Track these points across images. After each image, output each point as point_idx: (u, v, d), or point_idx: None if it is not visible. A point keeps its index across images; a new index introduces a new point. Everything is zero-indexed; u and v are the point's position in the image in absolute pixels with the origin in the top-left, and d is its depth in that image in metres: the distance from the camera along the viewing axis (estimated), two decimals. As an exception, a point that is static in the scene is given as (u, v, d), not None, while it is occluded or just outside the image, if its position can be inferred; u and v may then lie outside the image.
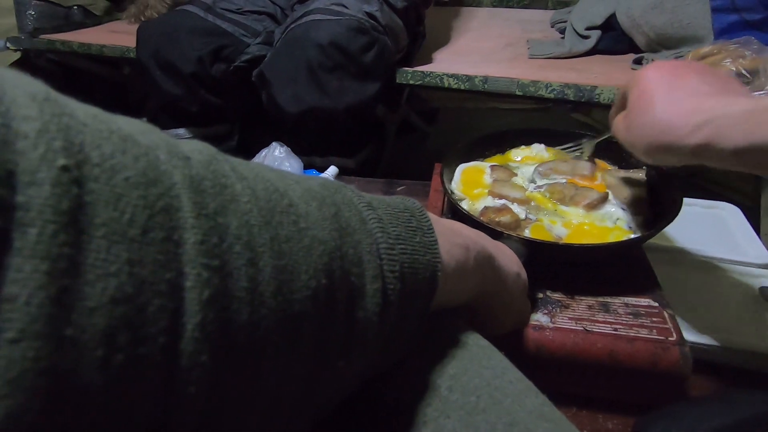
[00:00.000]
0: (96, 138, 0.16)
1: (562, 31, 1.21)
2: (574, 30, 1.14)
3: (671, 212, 0.51)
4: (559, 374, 0.46)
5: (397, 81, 1.05)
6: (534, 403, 0.27)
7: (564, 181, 0.60)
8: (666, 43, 1.01)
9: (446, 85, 1.02)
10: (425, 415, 0.26)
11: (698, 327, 0.52)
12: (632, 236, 0.52)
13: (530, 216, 0.56)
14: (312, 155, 1.01)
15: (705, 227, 0.70)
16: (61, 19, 1.39)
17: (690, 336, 0.51)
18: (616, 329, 0.46)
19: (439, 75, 1.02)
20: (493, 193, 0.59)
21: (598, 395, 0.47)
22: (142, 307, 0.15)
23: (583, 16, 1.14)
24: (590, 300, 0.49)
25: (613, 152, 0.64)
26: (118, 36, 1.27)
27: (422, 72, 1.04)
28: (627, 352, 0.44)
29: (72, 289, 0.14)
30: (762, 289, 0.58)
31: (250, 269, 0.18)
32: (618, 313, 0.47)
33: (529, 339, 0.45)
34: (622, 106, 0.46)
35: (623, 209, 0.56)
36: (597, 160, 0.63)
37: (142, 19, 1.35)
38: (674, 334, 0.45)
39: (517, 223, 0.54)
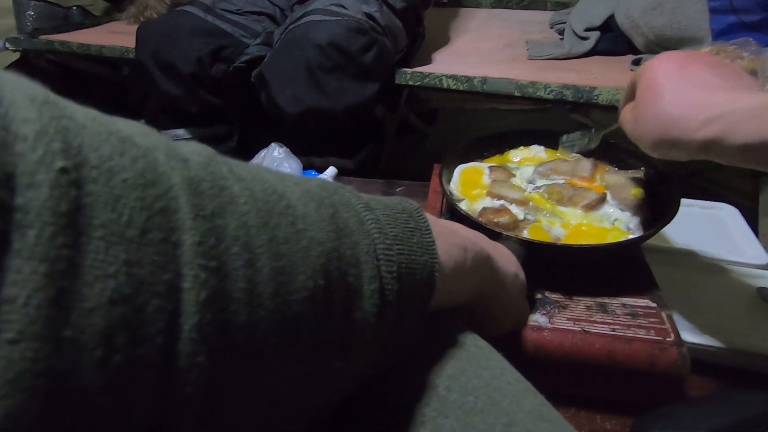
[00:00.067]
0: (94, 140, 0.16)
1: (561, 32, 1.21)
2: (573, 31, 1.14)
3: (669, 213, 0.51)
4: (557, 375, 0.46)
5: (396, 82, 1.05)
6: (532, 404, 0.27)
7: (562, 181, 0.60)
8: (664, 44, 1.01)
9: (445, 85, 1.02)
10: (423, 415, 0.26)
11: (696, 327, 0.53)
12: (630, 237, 0.52)
13: (529, 217, 0.56)
14: (311, 156, 1.01)
15: (703, 228, 0.70)
16: (60, 20, 1.39)
17: (688, 336, 0.51)
18: (614, 330, 0.46)
19: (438, 76, 1.02)
20: (491, 194, 0.59)
21: (596, 396, 0.47)
22: (140, 308, 0.15)
23: (582, 17, 1.14)
24: (588, 300, 0.49)
25: (611, 153, 0.64)
26: (117, 36, 1.27)
27: (421, 73, 1.04)
28: (625, 353, 0.44)
29: (70, 290, 0.14)
30: (760, 289, 0.58)
31: (248, 270, 0.18)
32: (616, 313, 0.48)
33: (527, 339, 0.45)
34: (631, 96, 0.45)
35: (621, 210, 0.56)
36: (595, 161, 0.63)
37: (142, 19, 1.35)
38: (672, 335, 0.45)
39: (516, 224, 0.54)
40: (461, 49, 1.21)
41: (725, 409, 0.40)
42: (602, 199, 0.57)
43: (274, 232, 0.20)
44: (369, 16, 0.96)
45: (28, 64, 1.32)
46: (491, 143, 0.69)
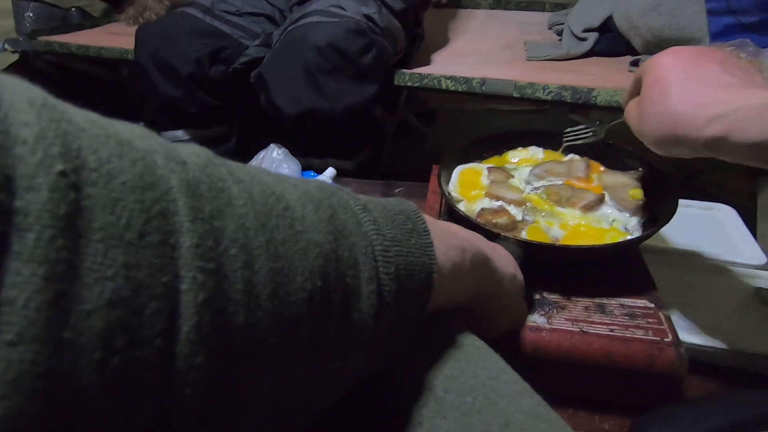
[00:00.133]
0: (93, 143, 0.16)
1: (560, 33, 1.21)
2: (572, 32, 1.14)
3: (667, 213, 0.52)
4: (555, 375, 0.47)
5: (395, 83, 1.05)
6: (530, 404, 0.27)
7: (561, 182, 0.60)
8: (663, 45, 1.01)
9: (444, 86, 1.02)
10: (421, 415, 0.26)
11: (694, 328, 0.53)
12: (628, 237, 0.52)
13: (527, 217, 0.56)
14: (310, 157, 1.01)
15: (701, 228, 0.70)
16: (59, 21, 1.39)
17: (686, 337, 0.51)
18: (612, 330, 0.46)
19: (437, 77, 1.02)
20: (490, 195, 0.59)
21: (594, 396, 0.47)
22: (138, 310, 0.15)
23: (580, 18, 1.14)
24: (587, 301, 0.49)
25: (609, 154, 0.64)
26: (116, 38, 1.27)
27: (420, 74, 1.04)
28: (623, 353, 0.44)
29: (69, 292, 0.14)
30: (758, 290, 0.58)
31: (246, 272, 0.18)
32: (614, 314, 0.48)
33: (525, 340, 0.46)
34: (636, 91, 0.44)
35: (620, 210, 0.56)
36: (592, 162, 0.63)
37: (141, 20, 1.35)
38: (670, 335, 0.45)
39: (514, 225, 0.54)
40: (460, 50, 1.21)
41: (723, 410, 0.40)
42: (600, 200, 0.57)
43: (273, 233, 0.20)
44: (368, 17, 0.96)
45: (27, 66, 1.32)
46: (490, 144, 0.69)
